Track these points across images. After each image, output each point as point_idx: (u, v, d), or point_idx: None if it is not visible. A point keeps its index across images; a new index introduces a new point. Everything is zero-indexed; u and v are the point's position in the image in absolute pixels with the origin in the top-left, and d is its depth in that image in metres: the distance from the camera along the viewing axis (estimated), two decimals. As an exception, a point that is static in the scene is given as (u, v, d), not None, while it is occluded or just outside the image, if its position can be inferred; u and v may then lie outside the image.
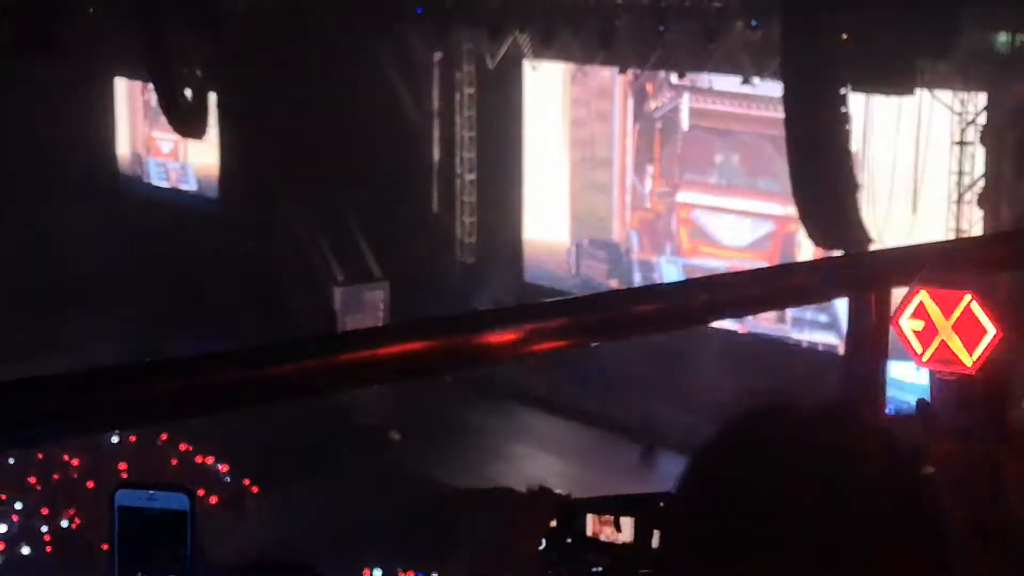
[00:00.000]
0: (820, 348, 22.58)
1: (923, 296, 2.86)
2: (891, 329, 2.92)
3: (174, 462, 22.50)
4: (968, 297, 2.85)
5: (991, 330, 2.83)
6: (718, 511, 1.68)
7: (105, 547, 2.47)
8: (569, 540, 2.78)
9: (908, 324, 2.88)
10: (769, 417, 1.75)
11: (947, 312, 2.85)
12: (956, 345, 2.86)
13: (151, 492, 2.39)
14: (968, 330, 2.84)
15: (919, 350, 2.89)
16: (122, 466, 21.36)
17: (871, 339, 2.99)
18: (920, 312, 2.88)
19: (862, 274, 3.04)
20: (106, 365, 2.62)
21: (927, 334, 2.85)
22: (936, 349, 2.88)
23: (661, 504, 2.80)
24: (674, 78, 24.74)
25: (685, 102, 25.11)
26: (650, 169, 25.90)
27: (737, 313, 2.56)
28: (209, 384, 2.59)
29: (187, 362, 2.58)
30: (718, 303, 2.83)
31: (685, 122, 25.10)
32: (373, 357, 2.60)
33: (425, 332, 2.69)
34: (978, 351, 2.86)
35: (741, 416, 1.75)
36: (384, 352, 2.61)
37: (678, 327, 2.83)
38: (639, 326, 2.87)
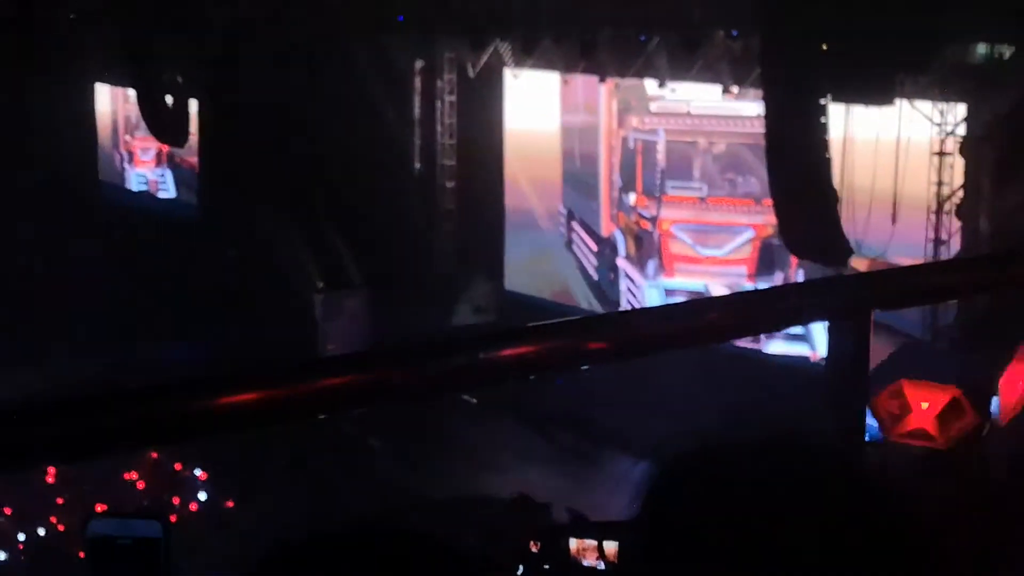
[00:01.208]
0: (793, 359, 22.71)
1: (906, 387, 2.90)
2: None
3: (142, 471, 22.41)
4: (952, 397, 2.90)
5: (972, 419, 2.88)
6: (672, 549, 1.68)
7: (82, 555, 2.46)
8: (548, 567, 2.78)
9: (885, 407, 2.91)
10: (720, 451, 1.75)
11: (931, 403, 2.89)
12: (931, 427, 2.90)
13: (124, 521, 2.39)
14: (948, 417, 2.89)
15: (889, 427, 2.93)
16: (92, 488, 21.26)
17: (851, 364, 3.00)
18: (900, 399, 2.91)
19: (842, 299, 3.04)
20: (89, 393, 2.60)
21: (903, 415, 2.89)
22: (910, 429, 2.91)
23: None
24: (653, 105, 25.01)
25: (662, 135, 25.46)
26: (631, 196, 26.21)
27: (712, 340, 2.56)
28: (178, 413, 2.58)
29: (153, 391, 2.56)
30: (693, 330, 2.83)
31: (662, 150, 25.44)
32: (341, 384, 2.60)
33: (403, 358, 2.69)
34: (953, 434, 2.91)
35: (693, 453, 1.76)
36: (347, 381, 2.60)
37: (643, 354, 2.82)
38: (599, 355, 2.86)
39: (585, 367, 2.90)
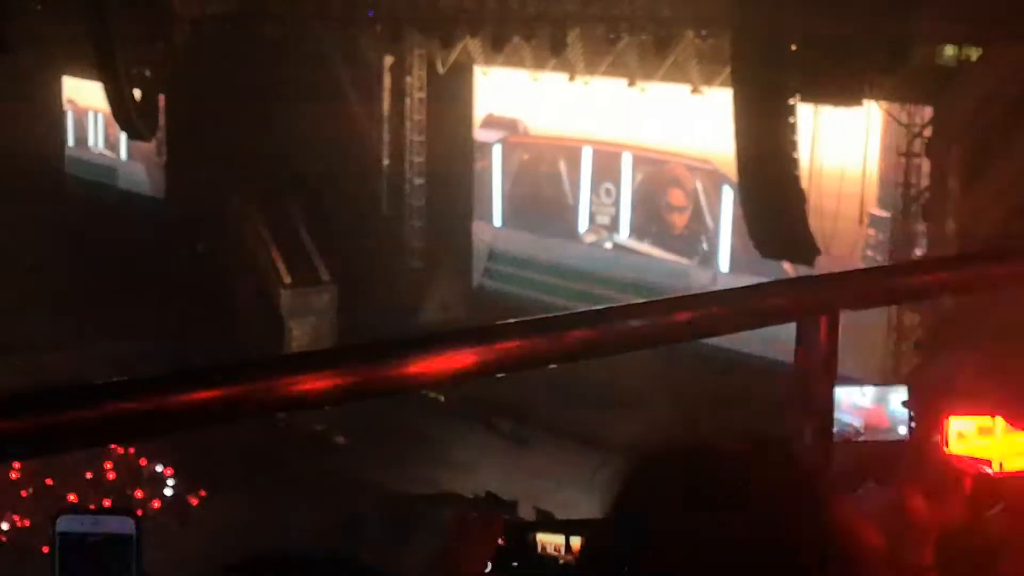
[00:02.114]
0: (765, 356, 22.68)
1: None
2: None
3: (109, 464, 22.30)
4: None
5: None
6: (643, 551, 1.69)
7: (46, 550, 2.40)
8: (516, 564, 2.77)
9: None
10: (687, 456, 1.76)
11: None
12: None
13: (96, 517, 2.33)
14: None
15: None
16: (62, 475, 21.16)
17: (820, 363, 3.00)
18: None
19: (812, 297, 3.04)
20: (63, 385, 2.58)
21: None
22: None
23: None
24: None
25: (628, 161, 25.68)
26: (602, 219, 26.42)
27: (675, 340, 2.57)
28: (141, 409, 2.55)
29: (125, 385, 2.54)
30: (656, 330, 2.82)
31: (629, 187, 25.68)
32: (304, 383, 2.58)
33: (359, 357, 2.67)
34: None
35: (660, 456, 1.77)
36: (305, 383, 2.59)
37: (611, 353, 2.81)
38: (576, 352, 2.85)
39: (553, 365, 2.88)
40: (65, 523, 2.31)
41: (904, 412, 4.85)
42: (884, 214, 21.99)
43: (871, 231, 22.15)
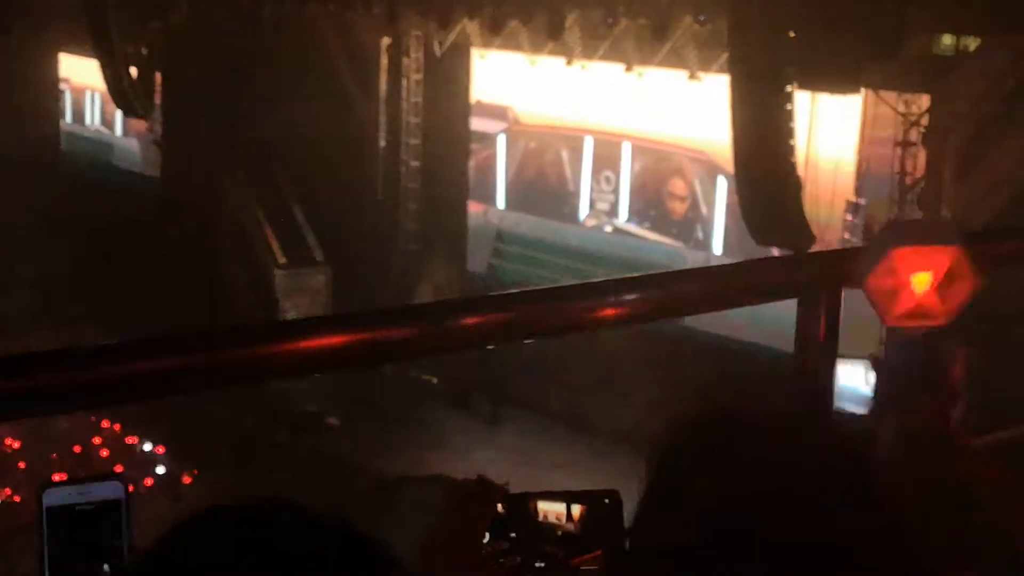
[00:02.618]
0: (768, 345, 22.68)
1: (898, 258, 2.83)
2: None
3: (97, 440, 22.28)
4: (952, 252, 2.84)
5: (971, 281, 2.81)
6: (687, 520, 1.68)
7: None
8: (514, 534, 2.76)
9: (877, 287, 2.84)
10: (728, 425, 1.75)
11: (928, 268, 2.82)
12: (932, 300, 2.83)
13: (82, 486, 2.24)
14: (948, 284, 2.82)
15: (885, 310, 2.86)
16: (53, 455, 21.14)
17: (821, 340, 3.00)
18: (891, 271, 2.83)
19: (812, 274, 3.04)
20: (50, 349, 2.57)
21: (899, 292, 2.82)
22: (906, 308, 2.84)
23: (606, 500, 2.79)
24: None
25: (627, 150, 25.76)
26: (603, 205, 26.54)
27: (677, 313, 2.55)
28: (142, 371, 2.55)
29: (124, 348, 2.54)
30: (657, 302, 2.81)
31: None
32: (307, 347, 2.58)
33: (361, 324, 2.67)
34: (954, 303, 2.84)
35: (698, 423, 1.76)
36: (312, 344, 2.59)
37: (612, 326, 2.81)
38: (573, 324, 2.85)
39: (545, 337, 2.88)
40: (51, 496, 2.21)
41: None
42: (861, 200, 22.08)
43: (848, 216, 22.21)
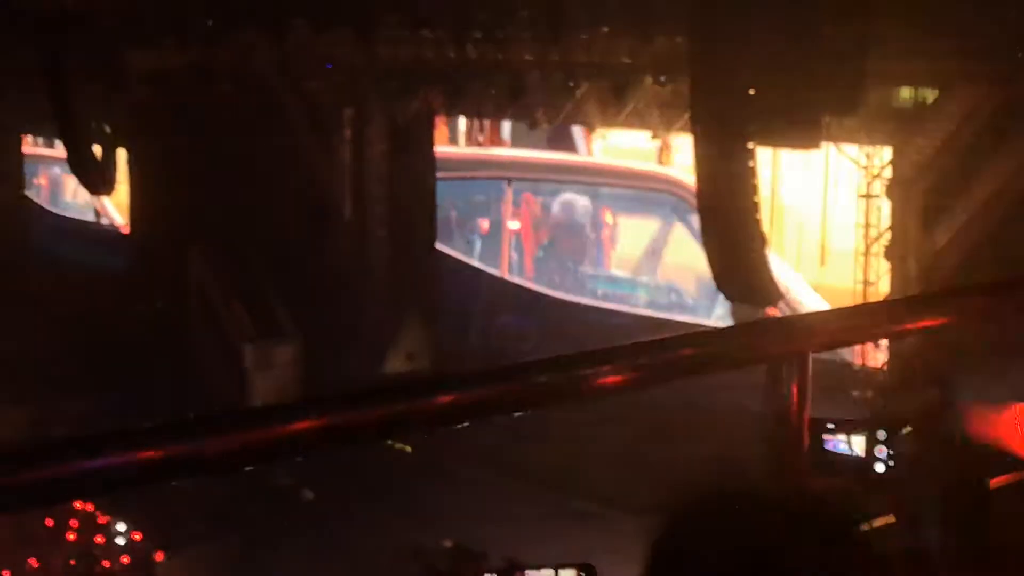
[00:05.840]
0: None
1: None
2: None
3: (75, 524, 22.05)
4: None
5: None
6: None
7: None
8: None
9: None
10: (724, 500, 1.76)
11: None
12: None
13: None
14: None
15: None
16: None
17: (792, 405, 2.99)
18: None
19: (780, 341, 3.04)
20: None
21: None
22: None
23: (581, 574, 2.78)
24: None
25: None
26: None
27: (638, 386, 2.55)
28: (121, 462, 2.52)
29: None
30: (623, 374, 2.81)
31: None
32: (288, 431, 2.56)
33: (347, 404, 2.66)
34: None
35: (700, 500, 1.77)
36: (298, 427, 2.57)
37: (577, 399, 2.80)
38: (536, 400, 2.84)
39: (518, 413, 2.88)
40: None
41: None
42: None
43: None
